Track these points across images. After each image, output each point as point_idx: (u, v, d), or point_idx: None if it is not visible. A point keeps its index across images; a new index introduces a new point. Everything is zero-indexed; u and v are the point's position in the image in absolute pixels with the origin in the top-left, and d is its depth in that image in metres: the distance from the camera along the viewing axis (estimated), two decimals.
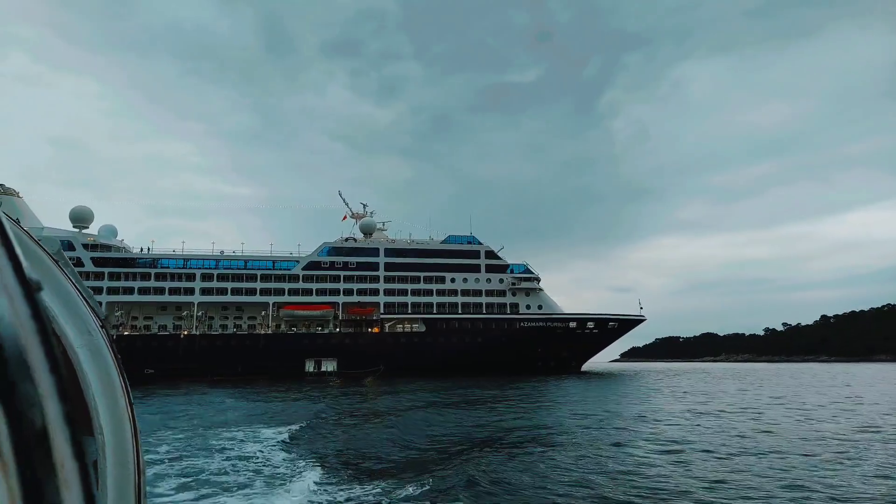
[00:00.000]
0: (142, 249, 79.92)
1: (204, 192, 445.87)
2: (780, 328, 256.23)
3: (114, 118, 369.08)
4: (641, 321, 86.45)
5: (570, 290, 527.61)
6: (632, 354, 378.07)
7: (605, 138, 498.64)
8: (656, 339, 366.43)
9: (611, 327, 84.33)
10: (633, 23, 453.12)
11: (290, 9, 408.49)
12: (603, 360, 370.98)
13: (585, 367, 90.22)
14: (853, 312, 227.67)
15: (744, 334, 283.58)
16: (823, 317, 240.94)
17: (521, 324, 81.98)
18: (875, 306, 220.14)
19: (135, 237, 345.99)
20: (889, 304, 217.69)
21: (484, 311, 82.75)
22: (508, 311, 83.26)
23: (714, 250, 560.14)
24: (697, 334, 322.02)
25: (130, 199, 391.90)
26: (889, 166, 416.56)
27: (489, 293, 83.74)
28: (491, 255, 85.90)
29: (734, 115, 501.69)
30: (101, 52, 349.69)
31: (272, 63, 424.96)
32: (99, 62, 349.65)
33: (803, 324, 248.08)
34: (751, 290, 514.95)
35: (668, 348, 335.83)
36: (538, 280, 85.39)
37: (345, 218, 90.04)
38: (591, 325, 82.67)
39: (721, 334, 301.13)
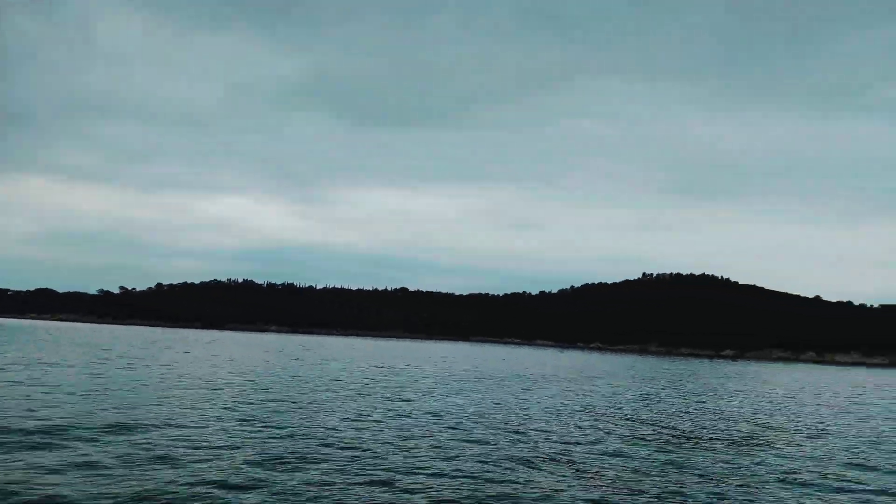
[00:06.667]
0: None
1: None
2: (116, 290, 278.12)
3: None
4: None
5: None
6: None
7: None
8: None
9: None
10: None
11: None
12: None
13: None
14: (185, 283, 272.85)
15: (86, 293, 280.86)
16: (158, 284, 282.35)
17: None
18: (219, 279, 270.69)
19: None
20: (215, 279, 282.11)
21: None
22: None
23: (96, 204, 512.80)
24: (33, 289, 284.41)
25: None
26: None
27: None
28: None
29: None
30: None
31: None
32: None
33: (139, 289, 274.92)
34: (131, 251, 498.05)
35: None
36: None
37: None
38: None
39: (61, 291, 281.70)
